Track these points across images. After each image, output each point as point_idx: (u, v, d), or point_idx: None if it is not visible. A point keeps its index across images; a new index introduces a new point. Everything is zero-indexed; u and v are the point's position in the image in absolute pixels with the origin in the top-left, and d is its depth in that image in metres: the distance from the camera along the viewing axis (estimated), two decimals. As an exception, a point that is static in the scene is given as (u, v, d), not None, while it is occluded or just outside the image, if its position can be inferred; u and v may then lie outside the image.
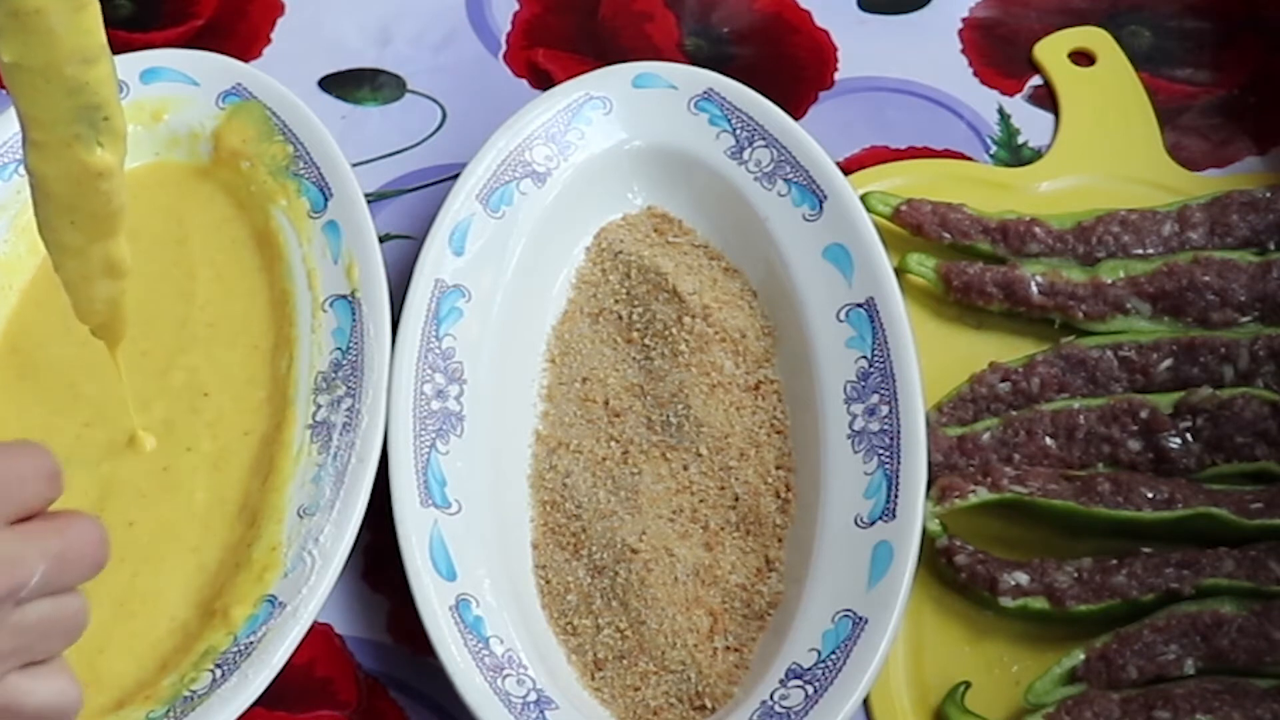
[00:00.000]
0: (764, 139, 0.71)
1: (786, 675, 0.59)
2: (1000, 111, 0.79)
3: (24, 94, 0.49)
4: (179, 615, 0.62)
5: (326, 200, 0.69)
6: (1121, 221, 0.71)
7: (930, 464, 0.63)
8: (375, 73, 0.81)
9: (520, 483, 0.66)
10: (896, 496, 0.62)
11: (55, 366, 0.68)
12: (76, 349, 0.68)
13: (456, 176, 0.70)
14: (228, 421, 0.66)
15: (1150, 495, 0.62)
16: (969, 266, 0.70)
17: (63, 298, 0.69)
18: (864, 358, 0.65)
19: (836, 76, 0.80)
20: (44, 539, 0.49)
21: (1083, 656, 0.60)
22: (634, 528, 0.64)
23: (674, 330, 0.68)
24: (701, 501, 0.65)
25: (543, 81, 0.80)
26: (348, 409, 0.64)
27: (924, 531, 0.61)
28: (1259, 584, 0.60)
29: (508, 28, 0.83)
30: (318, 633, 0.64)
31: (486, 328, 0.67)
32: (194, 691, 0.58)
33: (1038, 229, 0.71)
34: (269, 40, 0.82)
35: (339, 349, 0.66)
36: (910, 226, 0.72)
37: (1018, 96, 0.79)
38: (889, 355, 0.65)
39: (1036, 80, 0.80)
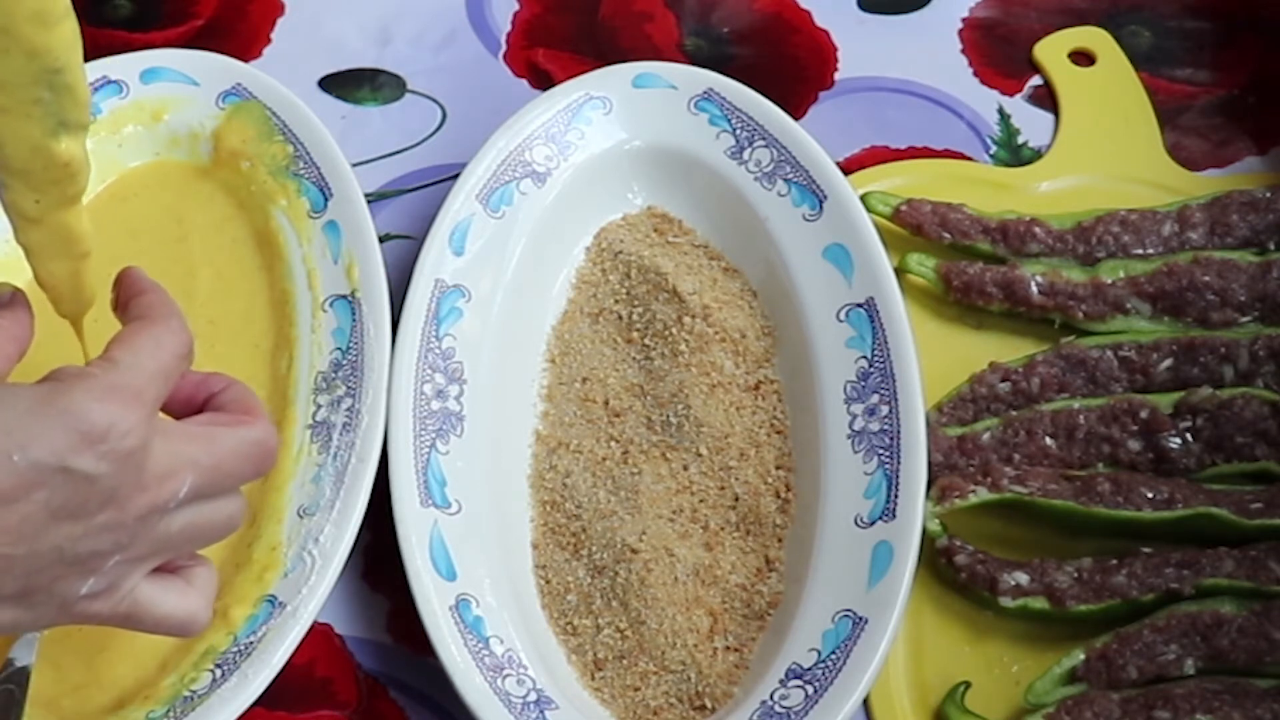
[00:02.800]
0: (764, 139, 0.71)
1: (786, 675, 0.59)
2: (1000, 111, 0.79)
3: None
4: (179, 614, 0.62)
5: (326, 200, 0.69)
6: (1121, 221, 0.71)
7: (930, 464, 0.63)
8: (375, 73, 0.81)
9: (520, 483, 0.66)
10: (896, 496, 0.62)
11: (55, 365, 0.68)
12: (76, 348, 0.68)
13: (456, 176, 0.70)
14: (228, 421, 0.66)
15: (1150, 495, 0.62)
16: (969, 266, 0.70)
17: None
18: (864, 358, 0.65)
19: (836, 76, 0.80)
20: (195, 447, 0.51)
21: (1083, 656, 0.60)
22: (634, 528, 0.64)
23: (674, 330, 0.68)
24: (701, 501, 0.65)
25: (543, 81, 0.80)
26: (348, 409, 0.64)
27: (924, 531, 0.61)
28: (1259, 584, 0.60)
29: (508, 28, 0.83)
30: (318, 633, 0.64)
31: (486, 328, 0.67)
32: (194, 691, 0.58)
33: (1038, 229, 0.71)
34: (269, 40, 0.82)
35: (339, 349, 0.66)
36: (910, 226, 0.72)
37: (1018, 96, 0.79)
38: (889, 355, 0.65)
39: (1036, 80, 0.80)
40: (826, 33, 0.82)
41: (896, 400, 0.64)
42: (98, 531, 0.48)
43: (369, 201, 0.70)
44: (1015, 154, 0.77)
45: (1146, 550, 0.63)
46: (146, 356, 0.51)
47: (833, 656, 0.59)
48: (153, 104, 0.73)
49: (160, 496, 0.50)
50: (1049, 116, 0.78)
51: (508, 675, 0.59)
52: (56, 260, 0.55)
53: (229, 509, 0.53)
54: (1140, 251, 0.70)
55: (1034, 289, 0.69)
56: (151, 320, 0.53)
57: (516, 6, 0.83)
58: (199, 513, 0.52)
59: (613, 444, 0.67)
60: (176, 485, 0.50)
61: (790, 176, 0.70)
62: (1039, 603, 0.62)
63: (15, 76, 0.48)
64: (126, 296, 0.56)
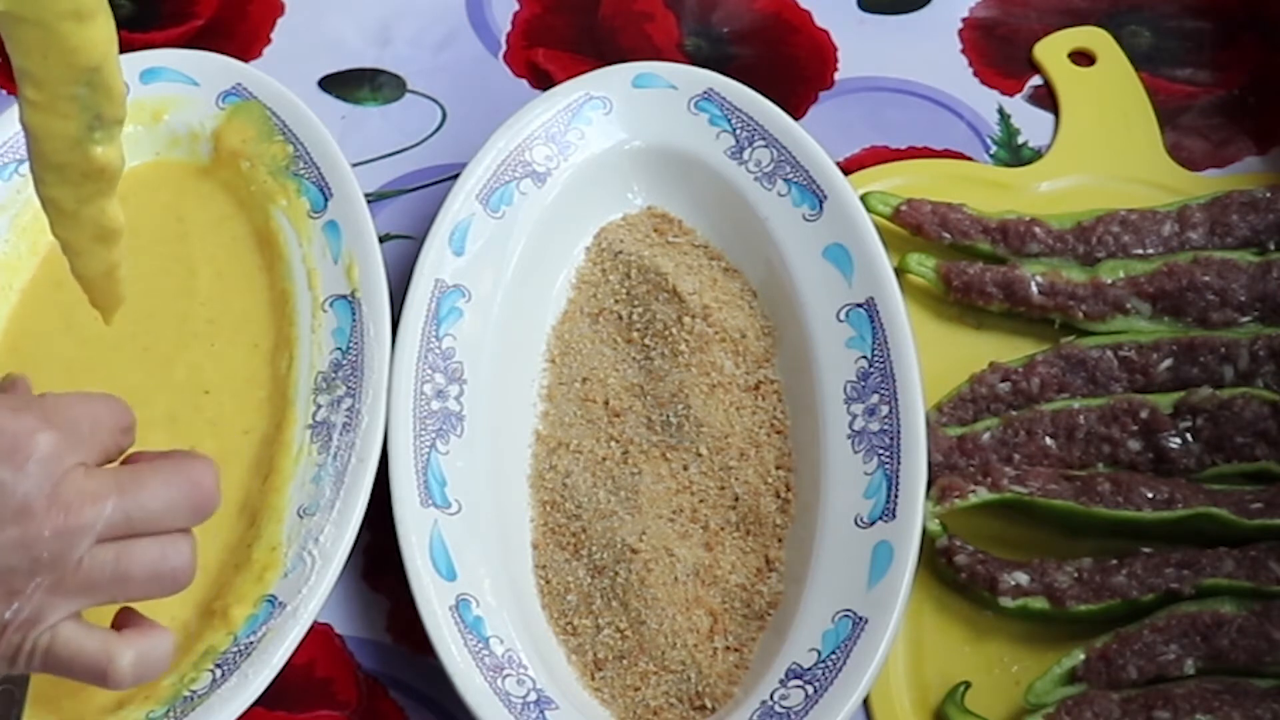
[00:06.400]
0: (764, 139, 0.71)
1: (786, 675, 0.59)
2: (1000, 111, 0.79)
3: (18, 47, 0.48)
4: (179, 615, 0.62)
5: (326, 200, 0.69)
6: (1121, 221, 0.71)
7: (930, 464, 0.63)
8: (375, 73, 0.81)
9: (520, 483, 0.66)
10: (896, 496, 0.62)
11: (56, 365, 0.68)
12: (77, 348, 0.68)
13: (456, 176, 0.70)
14: (228, 420, 0.66)
15: (1150, 495, 0.62)
16: (969, 266, 0.70)
17: (63, 297, 0.69)
18: (864, 358, 0.65)
19: (836, 76, 0.80)
20: (120, 475, 0.50)
21: (1083, 656, 0.60)
22: (634, 528, 0.64)
23: (674, 330, 0.68)
24: (701, 501, 0.65)
25: (543, 81, 0.80)
26: (348, 409, 0.64)
27: (924, 531, 0.61)
28: (1259, 584, 0.61)
29: (508, 28, 0.83)
30: (318, 633, 0.64)
31: (486, 328, 0.67)
32: (194, 691, 0.58)
33: (1038, 229, 0.71)
34: (269, 40, 0.82)
35: (339, 349, 0.66)
36: (910, 226, 0.72)
37: (1018, 96, 0.79)
38: (889, 355, 0.65)
39: (1036, 80, 0.80)
40: (826, 33, 0.82)
41: (896, 400, 0.64)
42: (12, 547, 0.47)
43: (369, 201, 0.70)
44: (1015, 154, 0.77)
45: (1146, 550, 0.63)
46: (75, 400, 0.51)
47: (833, 656, 0.59)
48: (153, 104, 0.73)
49: (80, 518, 0.49)
50: (1049, 116, 0.78)
51: (508, 675, 0.59)
52: (92, 254, 0.55)
53: (165, 550, 0.51)
54: (1140, 251, 0.70)
55: (1034, 289, 0.69)
56: (85, 392, 0.53)
57: (516, 6, 0.83)
58: (131, 550, 0.50)
59: (613, 444, 0.67)
60: (97, 509, 0.49)
61: (790, 176, 0.70)
62: (1039, 603, 0.62)
63: (54, 73, 0.48)
64: None
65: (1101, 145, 0.77)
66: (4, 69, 0.80)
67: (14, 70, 0.49)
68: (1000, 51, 0.81)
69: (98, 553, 0.50)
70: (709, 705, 0.61)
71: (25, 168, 0.71)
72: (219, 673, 0.59)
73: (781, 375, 0.68)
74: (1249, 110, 0.79)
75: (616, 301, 0.70)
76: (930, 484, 0.63)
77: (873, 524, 0.61)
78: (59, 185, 0.52)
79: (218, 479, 0.53)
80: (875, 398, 0.64)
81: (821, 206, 0.69)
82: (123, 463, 0.53)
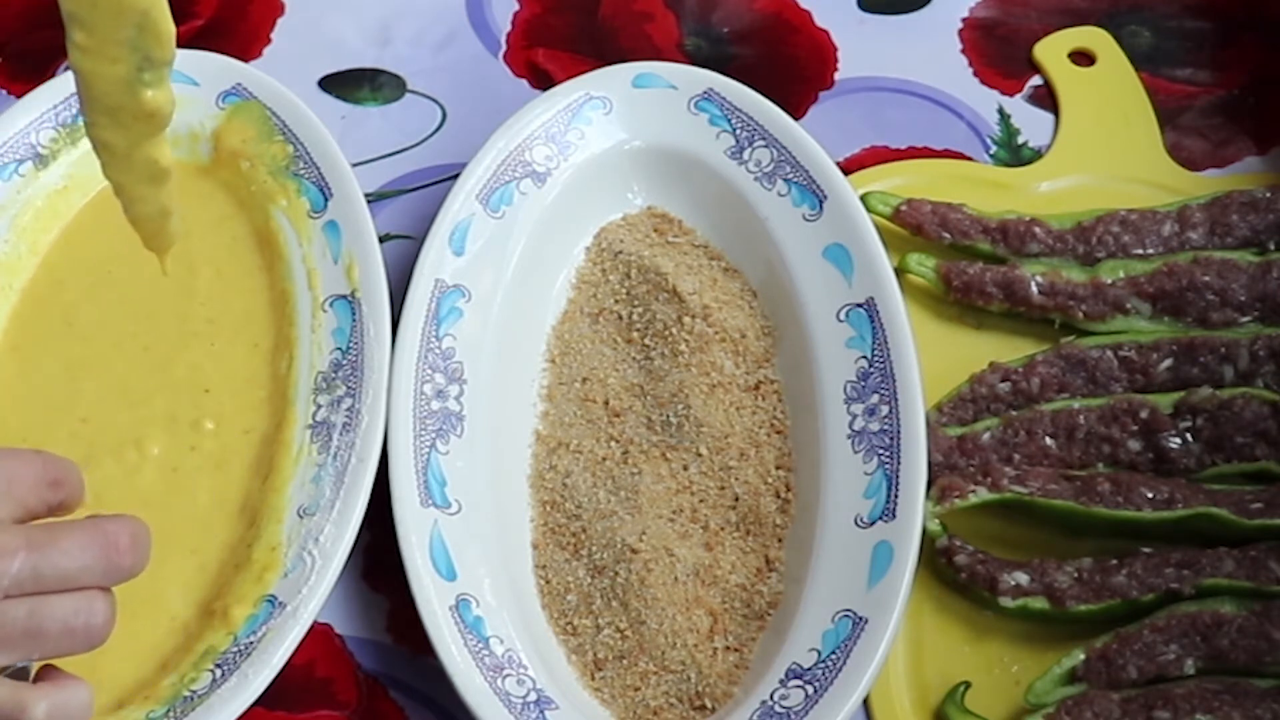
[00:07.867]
0: (764, 139, 0.71)
1: (786, 675, 0.59)
2: (1000, 111, 0.79)
3: None
4: (179, 615, 0.62)
5: (326, 200, 0.69)
6: (1121, 221, 0.71)
7: (930, 464, 0.63)
8: (375, 73, 0.81)
9: (520, 483, 0.66)
10: (896, 496, 0.62)
11: (56, 365, 0.68)
12: (77, 347, 0.68)
13: (456, 176, 0.70)
14: (228, 419, 0.66)
15: (1150, 495, 0.62)
16: (969, 266, 0.70)
17: (63, 297, 0.70)
18: (864, 358, 0.65)
19: (836, 76, 0.80)
20: (33, 531, 0.49)
21: (1083, 656, 0.60)
22: (634, 528, 0.64)
23: (674, 330, 0.68)
24: (701, 501, 0.65)
25: (543, 81, 0.80)
26: (348, 409, 0.64)
27: (924, 531, 0.61)
28: (1259, 584, 0.61)
29: (508, 28, 0.83)
30: (318, 633, 0.64)
31: (486, 328, 0.67)
32: (194, 691, 0.58)
33: (1038, 229, 0.71)
34: (269, 40, 0.82)
35: (339, 349, 0.66)
36: (910, 226, 0.72)
37: (1018, 96, 0.79)
38: (889, 355, 0.65)
39: (1036, 80, 0.80)
40: (826, 33, 0.82)
41: (896, 400, 0.64)
42: None
43: (369, 201, 0.70)
44: (1015, 154, 0.77)
45: (1146, 550, 0.63)
46: None
47: (833, 656, 0.59)
48: (153, 104, 0.73)
49: None
50: (1049, 116, 0.78)
51: (508, 675, 0.59)
52: (145, 196, 0.55)
53: (79, 606, 0.50)
54: (1140, 251, 0.70)
55: (1034, 289, 0.69)
56: (14, 449, 0.52)
57: (516, 6, 0.83)
58: (44, 605, 0.49)
59: (613, 444, 0.67)
60: (4, 563, 0.47)
61: (790, 176, 0.70)
62: (1039, 603, 0.62)
63: (105, 18, 0.48)
64: None
65: (1101, 145, 0.77)
66: (3, 68, 0.80)
67: (62, 14, 0.48)
68: (1000, 51, 0.81)
69: (8, 608, 0.48)
70: (709, 705, 0.61)
71: (25, 167, 0.71)
72: (219, 673, 0.59)
73: (781, 375, 0.68)
74: (1249, 110, 0.79)
75: (616, 301, 0.70)
76: (930, 484, 0.63)
77: (873, 524, 0.61)
78: (112, 129, 0.51)
79: (143, 540, 0.52)
80: (875, 398, 0.64)
81: (821, 206, 0.69)
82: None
